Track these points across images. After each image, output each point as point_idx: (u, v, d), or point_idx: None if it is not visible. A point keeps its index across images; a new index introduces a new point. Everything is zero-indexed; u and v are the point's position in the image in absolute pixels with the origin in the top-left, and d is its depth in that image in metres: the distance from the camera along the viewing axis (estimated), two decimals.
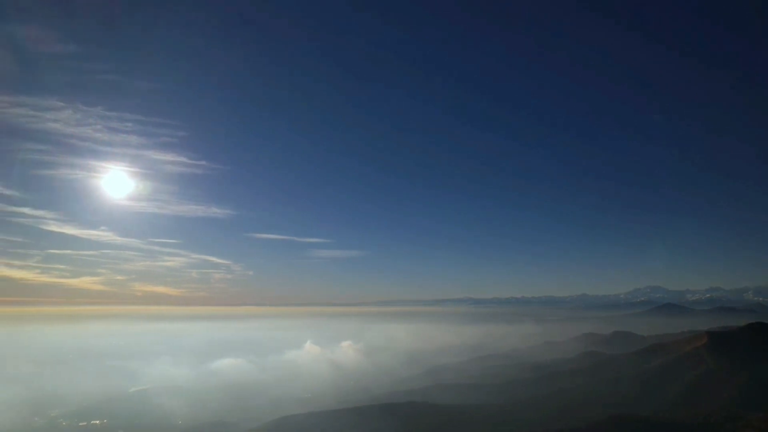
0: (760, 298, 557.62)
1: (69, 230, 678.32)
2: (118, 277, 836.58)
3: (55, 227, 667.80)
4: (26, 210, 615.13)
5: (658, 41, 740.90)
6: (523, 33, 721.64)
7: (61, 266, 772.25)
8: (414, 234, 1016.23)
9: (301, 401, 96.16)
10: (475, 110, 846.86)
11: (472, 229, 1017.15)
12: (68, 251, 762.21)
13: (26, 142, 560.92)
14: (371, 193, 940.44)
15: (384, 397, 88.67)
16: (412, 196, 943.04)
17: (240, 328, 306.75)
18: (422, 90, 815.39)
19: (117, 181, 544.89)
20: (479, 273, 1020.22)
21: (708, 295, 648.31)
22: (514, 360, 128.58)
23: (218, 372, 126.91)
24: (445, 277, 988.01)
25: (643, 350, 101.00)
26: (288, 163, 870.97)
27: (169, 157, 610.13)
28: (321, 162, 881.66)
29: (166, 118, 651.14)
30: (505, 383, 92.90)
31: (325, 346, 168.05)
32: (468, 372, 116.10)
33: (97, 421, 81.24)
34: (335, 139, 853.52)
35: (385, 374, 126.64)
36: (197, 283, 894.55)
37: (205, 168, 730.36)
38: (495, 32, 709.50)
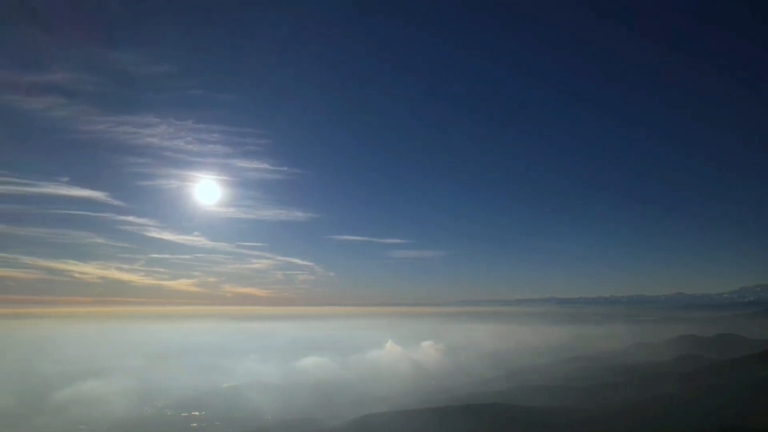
0: None
1: (167, 236, 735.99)
2: (210, 279, 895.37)
3: (155, 233, 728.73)
4: (131, 218, 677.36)
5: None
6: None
7: (162, 269, 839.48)
8: (494, 232, 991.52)
9: (383, 400, 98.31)
10: (557, 108, 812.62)
11: (556, 226, 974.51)
12: (167, 255, 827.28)
13: (130, 156, 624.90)
14: (449, 193, 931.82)
15: (466, 398, 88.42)
16: (491, 195, 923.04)
17: (323, 328, 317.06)
18: (505, 89, 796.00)
19: (207, 189, 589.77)
20: (564, 271, 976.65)
21: None
22: (603, 362, 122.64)
23: (303, 370, 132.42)
24: (527, 276, 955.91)
25: (753, 356, 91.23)
26: (365, 166, 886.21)
27: (253, 164, 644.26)
28: (398, 164, 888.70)
29: (249, 128, 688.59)
30: (594, 387, 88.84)
31: (406, 346, 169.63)
32: (553, 374, 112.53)
33: (197, 413, 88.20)
34: (413, 140, 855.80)
35: (467, 375, 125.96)
36: (282, 284, 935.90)
37: (286, 173, 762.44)
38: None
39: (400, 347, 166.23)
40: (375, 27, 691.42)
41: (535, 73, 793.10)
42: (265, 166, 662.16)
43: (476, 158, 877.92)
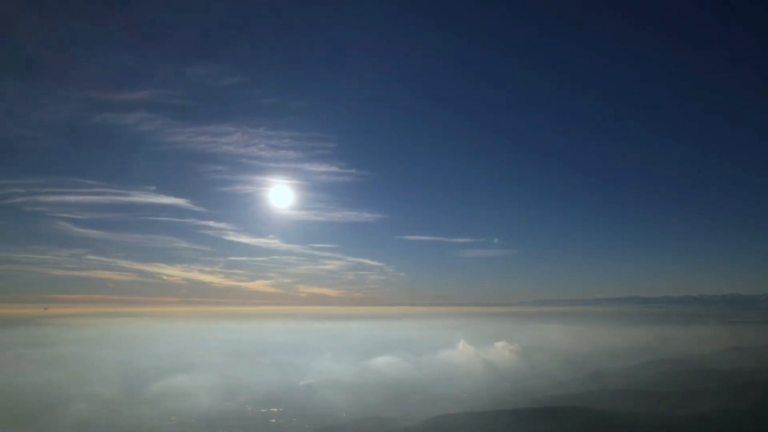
0: None
1: (244, 239, 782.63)
2: (285, 280, 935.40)
3: (233, 237, 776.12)
4: (211, 223, 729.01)
5: None
6: None
7: (240, 271, 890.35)
8: (569, 228, 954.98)
9: (456, 400, 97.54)
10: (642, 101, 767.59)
11: (638, 220, 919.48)
12: (244, 258, 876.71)
13: (208, 164, 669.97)
14: (519, 189, 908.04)
15: (543, 401, 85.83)
16: (565, 189, 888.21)
17: (395, 327, 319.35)
18: (579, 88, 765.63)
19: (280, 193, 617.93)
20: (646, 268, 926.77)
21: None
22: (692, 367, 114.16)
23: (376, 369, 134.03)
24: (606, 274, 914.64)
25: None
26: (433, 166, 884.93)
27: (323, 167, 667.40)
28: (466, 162, 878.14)
29: (318, 133, 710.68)
30: (684, 392, 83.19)
31: (479, 346, 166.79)
32: (637, 378, 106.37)
33: (275, 409, 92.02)
34: (482, 138, 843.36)
35: (543, 377, 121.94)
36: (354, 285, 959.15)
37: (355, 176, 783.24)
38: None
39: (472, 347, 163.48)
40: (441, 30, 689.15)
41: (620, 68, 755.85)
42: (334, 169, 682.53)
43: (548, 152, 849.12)
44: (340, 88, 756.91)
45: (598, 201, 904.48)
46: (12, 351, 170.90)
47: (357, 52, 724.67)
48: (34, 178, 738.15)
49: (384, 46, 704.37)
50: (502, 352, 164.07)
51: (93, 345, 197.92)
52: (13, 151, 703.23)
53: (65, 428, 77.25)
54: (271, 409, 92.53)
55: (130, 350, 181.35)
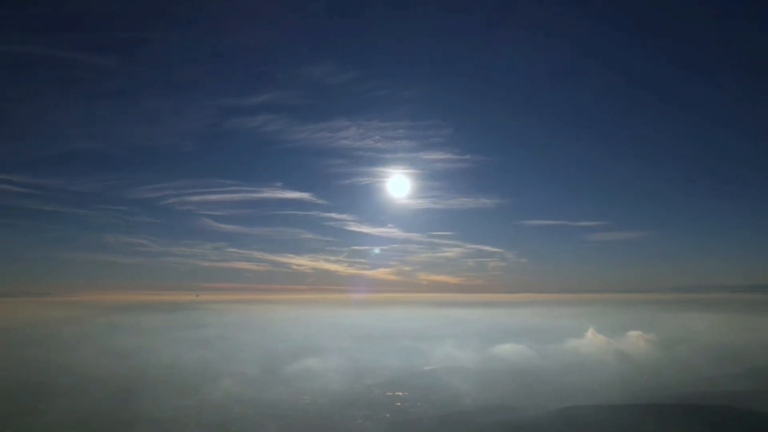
0: None
1: (365, 229, 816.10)
2: (406, 268, 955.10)
3: (355, 227, 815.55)
4: (334, 215, 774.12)
5: None
6: None
7: (362, 260, 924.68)
8: (713, 206, 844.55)
9: (586, 392, 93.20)
10: None
11: None
12: (366, 247, 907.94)
13: (328, 159, 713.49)
14: (650, 166, 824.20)
15: (687, 397, 78.38)
16: (704, 162, 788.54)
17: (518, 315, 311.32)
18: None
19: (397, 183, 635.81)
20: None
21: None
22: None
23: (499, 357, 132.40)
24: (763, 257, 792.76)
25: None
26: (553, 146, 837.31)
27: (438, 155, 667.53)
28: (589, 139, 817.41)
29: (431, 121, 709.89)
30: None
31: (611, 335, 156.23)
32: None
33: (400, 393, 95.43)
34: (605, 113, 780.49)
35: (687, 371, 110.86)
36: (474, 272, 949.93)
37: (470, 161, 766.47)
38: None
39: (603, 337, 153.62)
40: (554, 8, 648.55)
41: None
42: (450, 156, 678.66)
43: (682, 126, 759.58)
44: (451, 75, 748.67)
45: (747, 174, 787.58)
46: (173, 332, 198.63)
47: (466, 38, 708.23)
48: (181, 181, 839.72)
49: (494, 29, 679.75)
50: (636, 342, 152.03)
51: (236, 328, 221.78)
52: (163, 158, 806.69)
53: (218, 401, 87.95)
54: (397, 393, 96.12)
55: (267, 334, 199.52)
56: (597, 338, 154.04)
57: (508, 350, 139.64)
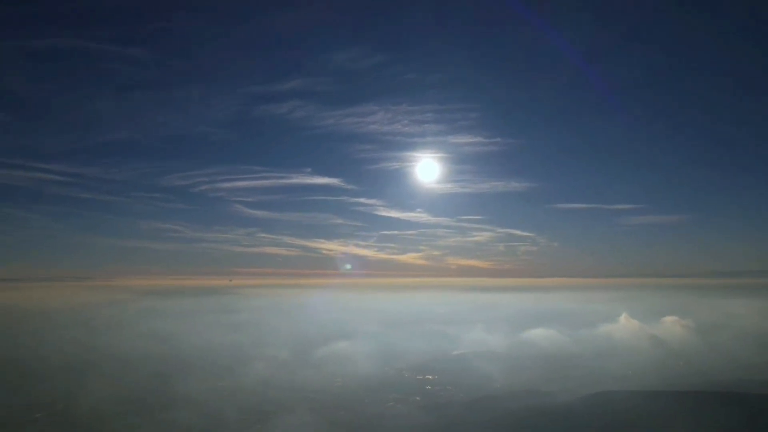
0: None
1: (394, 214, 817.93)
2: (435, 253, 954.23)
3: (384, 212, 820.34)
4: (363, 200, 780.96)
5: None
6: None
7: (392, 245, 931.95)
8: (754, 188, 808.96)
9: (619, 378, 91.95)
10: None
11: None
12: (395, 232, 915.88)
13: (356, 144, 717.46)
14: (687, 149, 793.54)
15: (725, 384, 76.51)
16: (742, 141, 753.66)
17: (549, 299, 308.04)
18: None
19: (425, 168, 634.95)
20: None
21: None
22: None
23: (530, 341, 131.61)
24: None
25: None
26: (586, 128, 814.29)
27: (466, 138, 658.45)
28: (626, 123, 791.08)
29: (460, 104, 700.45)
30: None
31: (645, 321, 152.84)
32: None
33: (430, 377, 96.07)
34: (642, 96, 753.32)
35: (725, 358, 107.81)
36: (504, 256, 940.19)
37: (500, 144, 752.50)
38: None
39: (637, 322, 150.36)
40: None
41: None
42: (479, 139, 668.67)
43: (721, 106, 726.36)
44: (480, 57, 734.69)
45: None
46: (207, 316, 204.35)
47: (496, 18, 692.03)
48: (212, 168, 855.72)
49: (524, 9, 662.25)
50: (672, 327, 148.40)
51: (267, 312, 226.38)
52: (194, 146, 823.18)
53: (251, 383, 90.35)
54: (427, 377, 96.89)
55: (298, 318, 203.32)
56: (631, 323, 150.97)
57: (539, 335, 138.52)
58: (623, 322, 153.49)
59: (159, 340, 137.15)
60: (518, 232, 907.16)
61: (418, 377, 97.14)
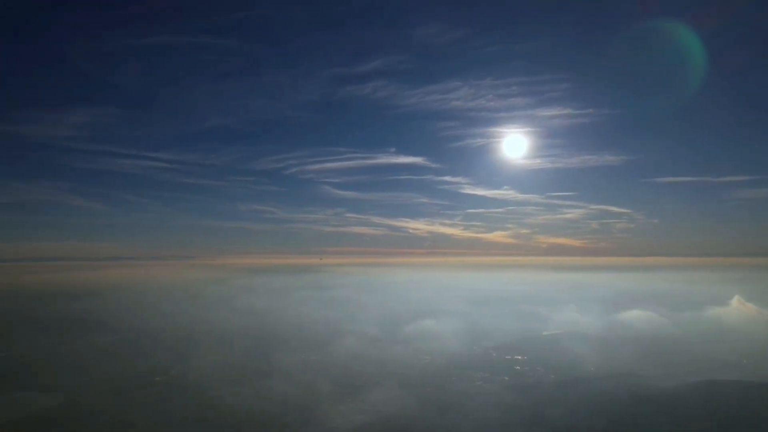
0: None
1: (480, 192, 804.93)
2: (523, 231, 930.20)
3: (469, 190, 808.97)
4: (447, 178, 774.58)
5: None
6: None
7: (478, 223, 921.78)
8: None
9: (730, 366, 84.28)
10: None
11: None
12: (481, 210, 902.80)
13: (440, 121, 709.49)
14: None
15: None
16: None
17: (647, 280, 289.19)
18: None
19: (512, 143, 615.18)
20: None
21: None
22: None
23: (625, 323, 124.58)
24: None
25: None
26: (687, 94, 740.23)
27: (555, 111, 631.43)
28: (733, 85, 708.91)
29: (547, 75, 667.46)
30: None
31: (762, 304, 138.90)
32: None
33: (519, 357, 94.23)
34: (751, 57, 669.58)
35: None
36: (598, 234, 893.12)
37: (593, 116, 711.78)
38: None
39: (753, 305, 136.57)
40: None
41: None
42: (569, 111, 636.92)
43: None
44: (567, 24, 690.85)
45: None
46: (300, 293, 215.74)
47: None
48: (301, 150, 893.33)
49: None
50: None
51: (357, 290, 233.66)
52: (284, 129, 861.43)
53: (341, 357, 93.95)
54: (515, 357, 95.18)
55: (386, 295, 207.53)
56: (745, 307, 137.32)
57: (636, 317, 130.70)
58: (736, 306, 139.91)
59: (256, 315, 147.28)
60: (613, 209, 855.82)
61: (506, 357, 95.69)
